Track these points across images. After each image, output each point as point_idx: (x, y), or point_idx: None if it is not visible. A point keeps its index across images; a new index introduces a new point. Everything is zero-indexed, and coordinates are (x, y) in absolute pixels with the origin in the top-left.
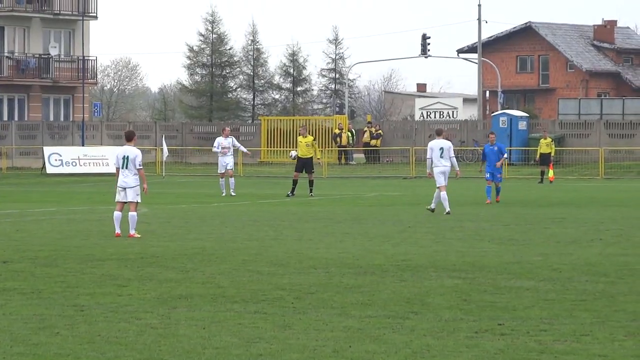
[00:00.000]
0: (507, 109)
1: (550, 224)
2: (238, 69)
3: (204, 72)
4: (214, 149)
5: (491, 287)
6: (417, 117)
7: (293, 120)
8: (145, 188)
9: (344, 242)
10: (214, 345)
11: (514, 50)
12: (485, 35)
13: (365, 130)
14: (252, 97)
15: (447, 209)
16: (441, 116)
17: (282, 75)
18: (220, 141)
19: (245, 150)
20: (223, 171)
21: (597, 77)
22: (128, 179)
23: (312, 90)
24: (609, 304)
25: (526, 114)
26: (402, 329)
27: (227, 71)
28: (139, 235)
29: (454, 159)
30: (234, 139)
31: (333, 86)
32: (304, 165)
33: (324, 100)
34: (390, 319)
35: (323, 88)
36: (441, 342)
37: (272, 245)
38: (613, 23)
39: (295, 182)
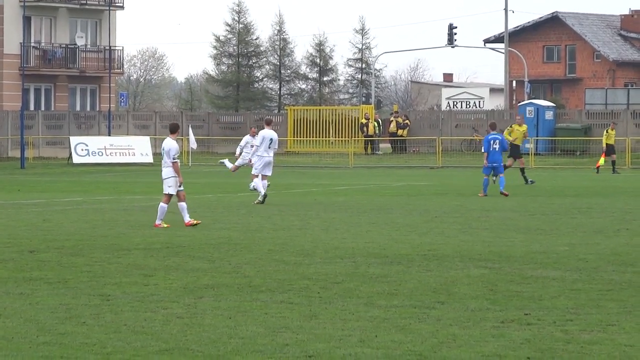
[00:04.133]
0: (534, 98)
1: (576, 213)
2: (264, 59)
3: (230, 62)
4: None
5: (517, 276)
6: (443, 107)
7: (320, 110)
8: (180, 180)
9: (370, 232)
10: (240, 335)
11: (540, 40)
12: (511, 25)
13: (392, 120)
14: (278, 87)
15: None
16: (467, 106)
17: (308, 65)
18: (249, 140)
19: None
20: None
21: (623, 67)
22: (162, 171)
23: (339, 80)
24: (636, 294)
25: (553, 104)
26: (428, 319)
27: (254, 61)
28: (166, 226)
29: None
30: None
31: (359, 76)
32: None
33: (350, 90)
34: (416, 308)
35: (349, 78)
36: (467, 331)
37: (298, 235)
38: None
39: None
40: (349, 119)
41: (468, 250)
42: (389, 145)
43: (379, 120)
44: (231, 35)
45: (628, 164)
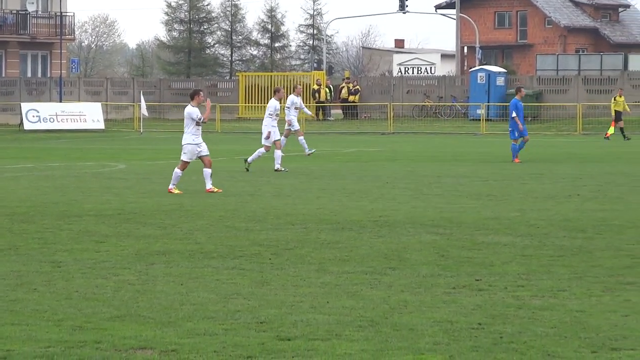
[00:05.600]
0: (485, 64)
1: (528, 179)
2: (216, 25)
3: (181, 28)
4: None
5: (469, 242)
6: (395, 73)
7: (271, 76)
8: (205, 117)
9: (322, 198)
10: (192, 302)
11: (492, 6)
12: None
13: (343, 86)
14: (230, 53)
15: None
16: (419, 72)
17: (260, 32)
18: (295, 100)
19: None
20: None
21: (575, 33)
22: (183, 138)
23: (290, 46)
24: (587, 260)
25: (504, 70)
26: (379, 285)
27: (205, 27)
28: (178, 192)
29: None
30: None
31: (311, 42)
32: None
33: (302, 56)
34: (367, 274)
35: (301, 44)
36: (419, 297)
37: (249, 201)
38: None
39: None
40: (300, 85)
41: (419, 216)
42: (340, 111)
43: (331, 86)
44: (182, 1)
45: (579, 130)
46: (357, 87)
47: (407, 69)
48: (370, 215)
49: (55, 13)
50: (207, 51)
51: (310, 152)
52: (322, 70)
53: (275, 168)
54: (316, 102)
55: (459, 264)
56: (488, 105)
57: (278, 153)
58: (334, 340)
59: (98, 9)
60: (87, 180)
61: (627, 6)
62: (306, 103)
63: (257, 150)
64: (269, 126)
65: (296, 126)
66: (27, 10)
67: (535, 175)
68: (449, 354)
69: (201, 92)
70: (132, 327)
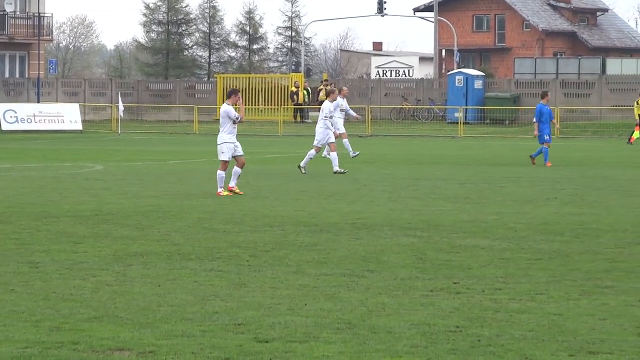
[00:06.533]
0: (463, 67)
1: (506, 182)
2: (194, 26)
3: (160, 29)
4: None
5: (447, 245)
6: (373, 76)
7: (249, 78)
8: (241, 116)
9: (300, 200)
10: (169, 303)
11: (470, 9)
12: None
13: (321, 89)
14: (208, 54)
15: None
16: (397, 75)
17: (238, 33)
18: (340, 102)
19: None
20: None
21: (553, 37)
22: (218, 137)
23: (268, 48)
24: (564, 263)
25: (482, 73)
26: (357, 287)
27: (184, 29)
28: (226, 194)
29: None
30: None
31: (289, 44)
32: None
33: (280, 58)
34: (345, 277)
35: (279, 46)
36: (396, 300)
37: (227, 202)
38: None
39: None
40: (278, 87)
41: (397, 219)
42: (318, 113)
43: (309, 88)
44: (161, 3)
45: (557, 133)
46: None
47: (385, 72)
48: (348, 218)
49: (34, 14)
50: (185, 53)
51: (355, 154)
52: (300, 72)
53: (335, 170)
54: (294, 105)
55: (437, 267)
56: (466, 109)
57: (334, 155)
58: (311, 342)
59: (76, 10)
60: (64, 181)
61: (605, 10)
62: (284, 105)
63: (308, 153)
64: (328, 128)
65: (342, 129)
66: (5, 10)
67: (513, 178)
68: (426, 357)
69: (238, 92)
70: (109, 328)
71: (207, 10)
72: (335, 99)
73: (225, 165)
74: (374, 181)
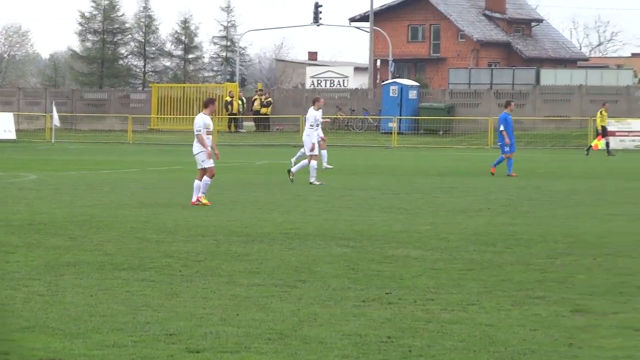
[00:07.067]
0: (398, 77)
1: (439, 193)
2: (130, 35)
3: (95, 38)
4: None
5: (379, 256)
6: (307, 86)
7: (184, 87)
8: (209, 152)
9: (233, 210)
10: (101, 313)
11: (405, 19)
12: (377, 4)
13: (256, 98)
14: (143, 64)
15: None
16: (332, 85)
17: (173, 43)
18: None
19: None
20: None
21: (487, 47)
22: (193, 147)
23: (204, 57)
24: (496, 274)
25: (417, 83)
26: (289, 298)
27: (119, 38)
28: (205, 202)
29: None
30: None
31: (224, 54)
32: None
33: (215, 68)
34: (277, 287)
35: (214, 56)
36: (329, 310)
37: (160, 212)
38: None
39: None
40: (213, 96)
41: (330, 229)
42: (252, 123)
43: (243, 98)
44: (96, 12)
45: (490, 143)
46: (270, 99)
47: (320, 82)
48: (281, 228)
49: None
50: (120, 62)
51: (328, 167)
52: (235, 82)
53: (311, 181)
54: (229, 114)
55: (369, 277)
56: (400, 119)
57: (314, 164)
58: (243, 352)
59: (11, 19)
60: None
61: (540, 21)
62: (219, 115)
63: (301, 162)
64: (312, 137)
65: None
66: None
67: (446, 188)
68: None
69: (215, 101)
70: (41, 338)
71: (143, 20)
72: (320, 107)
73: (202, 172)
74: (307, 191)
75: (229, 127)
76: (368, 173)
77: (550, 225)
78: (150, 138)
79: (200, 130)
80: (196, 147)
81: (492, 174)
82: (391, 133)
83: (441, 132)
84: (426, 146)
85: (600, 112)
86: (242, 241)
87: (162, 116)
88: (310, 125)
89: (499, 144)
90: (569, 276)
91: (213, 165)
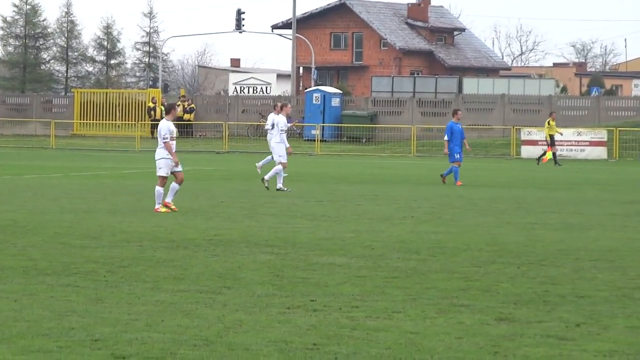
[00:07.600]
0: (321, 85)
1: (363, 201)
2: (52, 40)
3: (17, 43)
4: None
5: (303, 263)
6: (230, 92)
7: (106, 93)
8: (176, 160)
9: (157, 216)
10: (25, 319)
11: (328, 27)
12: (299, 12)
13: (179, 105)
14: (65, 69)
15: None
16: (255, 91)
17: (96, 48)
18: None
19: None
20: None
21: (410, 56)
22: (156, 153)
23: (126, 63)
24: (421, 282)
25: (339, 91)
26: (214, 304)
27: (41, 43)
28: (164, 210)
29: None
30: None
31: (147, 60)
32: None
33: (138, 74)
34: (202, 293)
35: (137, 61)
36: (253, 317)
37: (84, 218)
38: (427, 2)
39: None
40: (136, 102)
41: (254, 236)
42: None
43: (166, 104)
44: (18, 16)
45: (413, 152)
46: (193, 105)
47: (242, 89)
48: (205, 234)
49: None
50: (43, 67)
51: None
52: (158, 88)
53: (278, 187)
54: (151, 120)
55: (294, 284)
56: (323, 126)
57: (281, 170)
58: (168, 359)
59: None
60: None
61: (462, 30)
62: (141, 120)
63: (274, 169)
64: (283, 142)
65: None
66: None
67: (369, 196)
68: None
69: (177, 107)
70: None
71: (65, 25)
72: (288, 113)
73: (163, 181)
74: (231, 198)
75: (152, 133)
76: (291, 180)
77: (474, 233)
78: (73, 143)
79: (167, 138)
80: (160, 153)
81: (444, 182)
82: (314, 140)
83: (364, 140)
84: (349, 154)
85: (548, 122)
86: (167, 247)
87: (85, 121)
88: (282, 130)
89: (448, 153)
90: (493, 284)
91: (181, 170)
